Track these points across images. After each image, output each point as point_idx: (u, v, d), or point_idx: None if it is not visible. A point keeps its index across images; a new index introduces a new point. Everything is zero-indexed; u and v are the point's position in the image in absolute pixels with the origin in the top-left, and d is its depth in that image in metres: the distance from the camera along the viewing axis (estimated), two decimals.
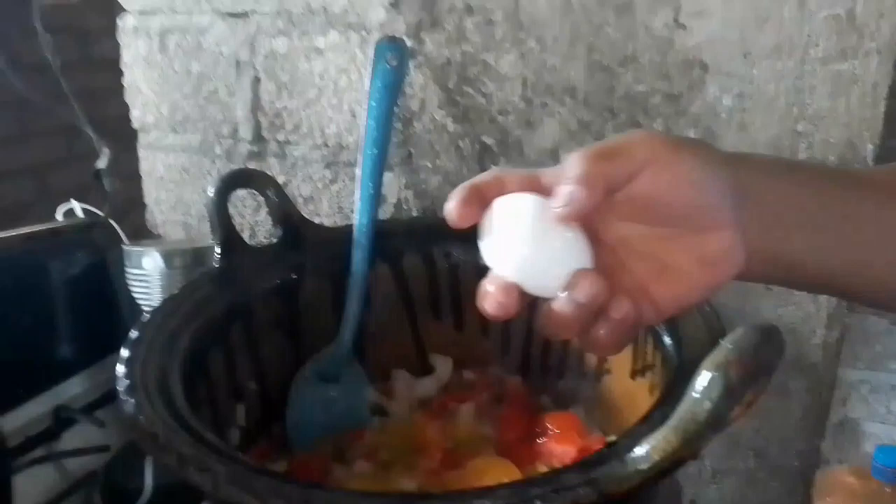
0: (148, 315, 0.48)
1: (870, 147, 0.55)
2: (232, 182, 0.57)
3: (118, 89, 0.82)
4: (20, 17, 0.79)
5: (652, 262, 0.35)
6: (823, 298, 0.59)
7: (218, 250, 0.55)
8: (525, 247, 0.34)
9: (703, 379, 0.30)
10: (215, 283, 0.53)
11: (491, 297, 0.34)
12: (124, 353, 0.43)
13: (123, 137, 0.83)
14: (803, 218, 0.35)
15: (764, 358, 0.30)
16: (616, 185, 0.33)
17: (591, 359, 0.56)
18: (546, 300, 0.34)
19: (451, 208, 0.35)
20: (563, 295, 0.33)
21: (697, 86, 0.58)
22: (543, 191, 0.35)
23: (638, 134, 0.34)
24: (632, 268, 0.35)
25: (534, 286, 0.34)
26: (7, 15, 0.81)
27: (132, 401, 0.39)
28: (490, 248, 0.35)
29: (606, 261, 0.35)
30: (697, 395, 0.29)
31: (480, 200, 0.35)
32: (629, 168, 0.33)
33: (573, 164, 0.33)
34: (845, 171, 0.43)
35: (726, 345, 0.30)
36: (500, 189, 0.35)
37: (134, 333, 0.45)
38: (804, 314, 0.60)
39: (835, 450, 0.67)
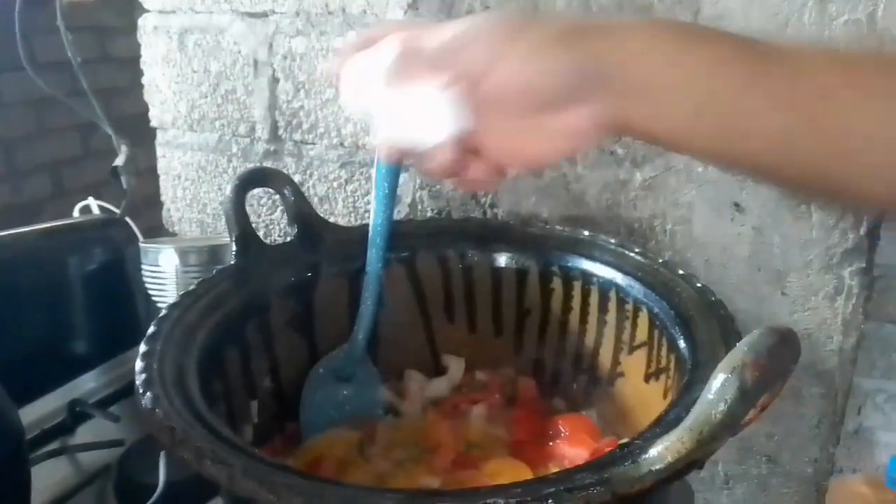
0: (165, 311, 0.48)
1: None
2: (249, 180, 0.57)
3: (136, 87, 0.82)
4: (40, 14, 0.80)
5: (509, 133, 0.37)
6: (840, 304, 0.59)
7: (234, 248, 0.55)
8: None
9: (718, 380, 0.30)
10: (231, 280, 0.53)
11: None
12: (142, 347, 0.44)
13: (141, 135, 0.84)
14: (685, 99, 0.34)
15: (780, 360, 0.30)
16: None
17: (605, 362, 0.56)
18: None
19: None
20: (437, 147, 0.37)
21: None
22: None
23: (480, 27, 0.36)
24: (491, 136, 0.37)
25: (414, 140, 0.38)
26: (28, 12, 0.82)
27: (150, 394, 0.39)
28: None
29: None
30: (712, 397, 0.29)
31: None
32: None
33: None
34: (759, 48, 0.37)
35: (742, 347, 0.30)
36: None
37: (152, 329, 0.46)
38: (820, 320, 0.59)
39: (849, 459, 0.67)
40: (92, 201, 0.92)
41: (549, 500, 0.31)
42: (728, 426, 0.30)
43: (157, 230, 0.87)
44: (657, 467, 0.31)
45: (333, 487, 0.33)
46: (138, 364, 0.41)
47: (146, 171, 0.85)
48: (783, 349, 0.30)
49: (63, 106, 0.84)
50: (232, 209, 0.55)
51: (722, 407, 0.29)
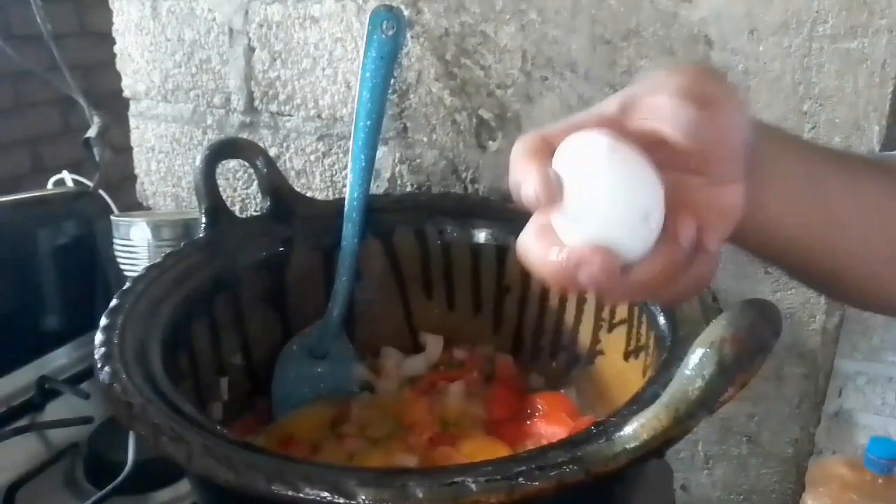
0: (129, 284, 0.46)
1: (876, 128, 0.53)
2: (220, 151, 0.56)
3: (114, 61, 0.80)
4: None
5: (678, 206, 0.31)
6: None
7: (204, 220, 0.53)
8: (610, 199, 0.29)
9: (695, 356, 0.28)
10: (201, 253, 0.52)
11: (588, 269, 0.28)
12: (103, 321, 0.42)
13: (120, 110, 0.82)
14: (804, 194, 0.35)
15: (760, 335, 0.28)
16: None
17: (584, 340, 0.55)
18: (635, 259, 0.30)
19: (534, 192, 0.29)
20: (664, 246, 0.29)
21: (702, 61, 0.56)
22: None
23: (711, 79, 0.31)
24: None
25: (624, 244, 0.29)
26: None
27: (108, 369, 0.38)
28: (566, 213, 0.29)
29: None
30: (690, 373, 0.28)
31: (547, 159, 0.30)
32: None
33: (666, 103, 0.29)
34: (855, 156, 0.41)
35: (721, 321, 0.28)
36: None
37: (114, 302, 0.44)
38: (803, 299, 0.58)
39: (829, 440, 0.66)
40: (66, 175, 0.90)
41: (520, 479, 0.30)
42: (706, 403, 0.29)
43: (137, 207, 0.84)
44: (632, 445, 0.30)
45: (296, 465, 0.32)
46: (98, 338, 0.40)
47: (127, 146, 0.83)
48: (763, 323, 0.28)
49: (42, 80, 0.81)
50: (202, 180, 0.54)
51: (699, 383, 0.28)
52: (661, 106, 0.30)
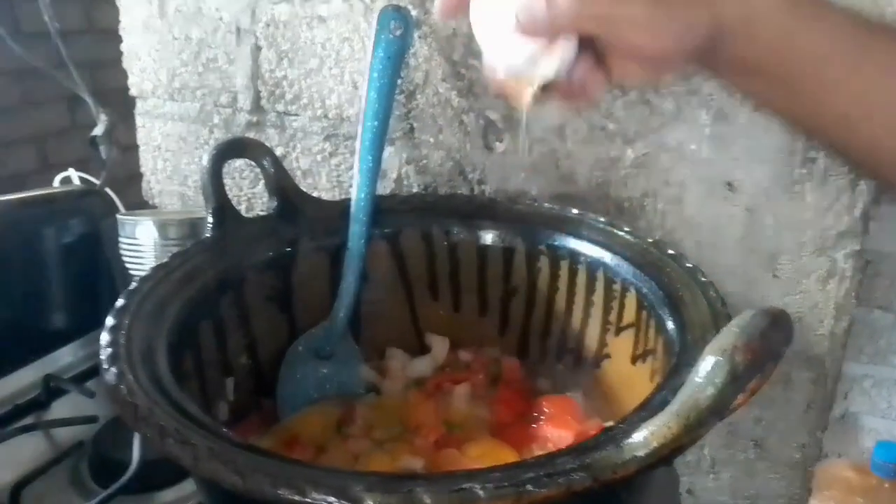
0: (135, 284, 0.46)
1: None
2: (227, 150, 0.56)
3: (121, 60, 0.80)
4: None
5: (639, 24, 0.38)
6: (832, 287, 0.57)
7: (210, 220, 0.53)
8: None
9: (707, 363, 0.28)
10: (207, 252, 0.51)
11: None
12: (109, 321, 0.42)
13: (126, 108, 0.81)
14: (796, 67, 0.38)
15: (772, 343, 0.28)
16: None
17: (591, 343, 0.55)
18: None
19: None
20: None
21: None
22: None
23: None
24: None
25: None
26: None
27: (114, 370, 0.37)
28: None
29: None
30: (701, 380, 0.28)
31: None
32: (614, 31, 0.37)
33: None
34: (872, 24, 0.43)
35: (732, 328, 0.28)
36: None
37: (120, 301, 0.44)
38: (811, 303, 0.58)
39: (835, 443, 0.66)
40: (73, 172, 0.90)
41: (528, 486, 0.30)
42: (716, 411, 0.28)
43: (143, 206, 0.84)
44: (641, 453, 0.30)
45: (303, 469, 0.32)
46: (104, 338, 0.40)
47: (133, 145, 0.83)
48: (775, 332, 0.28)
49: (49, 77, 0.81)
50: (209, 179, 0.53)
51: (711, 391, 0.28)
52: None
